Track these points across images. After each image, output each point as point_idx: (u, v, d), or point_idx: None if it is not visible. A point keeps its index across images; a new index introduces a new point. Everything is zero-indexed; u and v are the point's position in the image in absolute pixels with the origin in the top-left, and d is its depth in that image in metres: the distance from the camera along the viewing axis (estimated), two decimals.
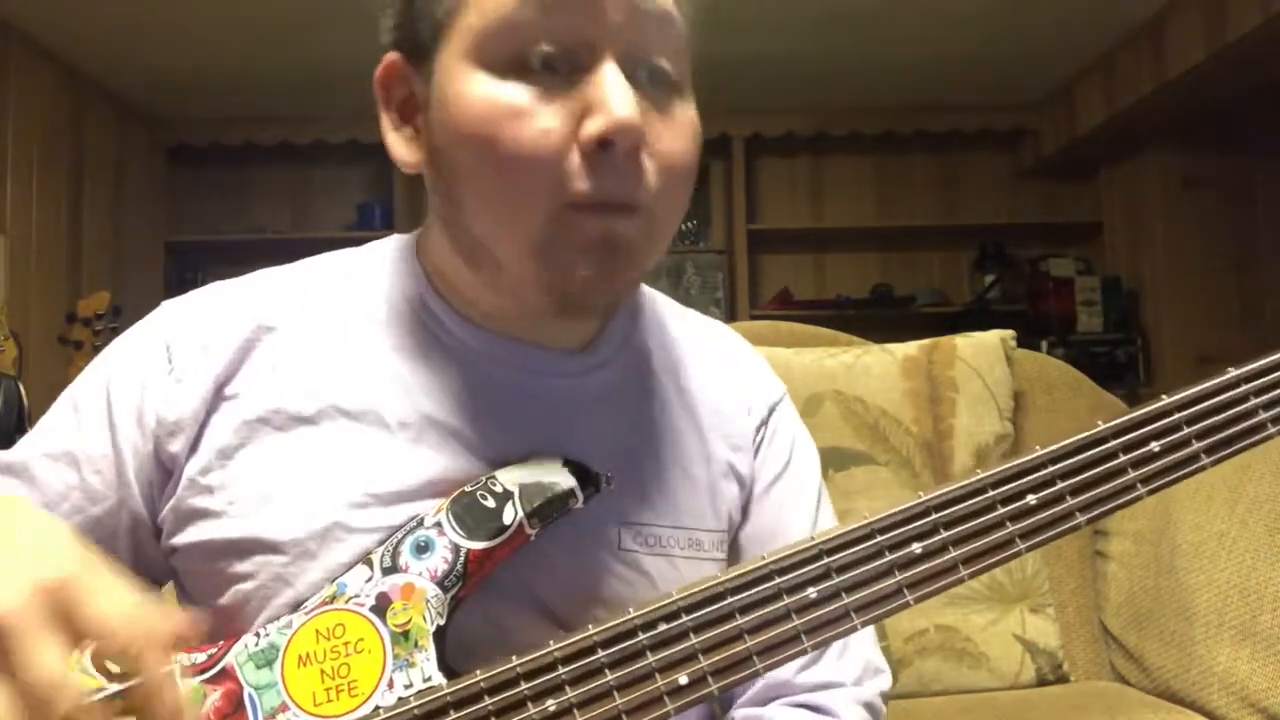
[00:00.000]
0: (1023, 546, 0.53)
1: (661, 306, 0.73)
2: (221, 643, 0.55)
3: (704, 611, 0.51)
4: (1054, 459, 0.54)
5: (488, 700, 0.50)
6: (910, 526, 0.53)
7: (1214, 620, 1.04)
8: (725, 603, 0.51)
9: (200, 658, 0.54)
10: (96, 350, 2.60)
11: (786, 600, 0.51)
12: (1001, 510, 0.53)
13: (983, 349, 1.29)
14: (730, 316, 3.93)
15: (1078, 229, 4.13)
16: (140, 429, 0.60)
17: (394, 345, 0.63)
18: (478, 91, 0.53)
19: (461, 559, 0.55)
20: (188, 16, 2.93)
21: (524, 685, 0.50)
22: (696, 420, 0.68)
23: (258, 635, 0.55)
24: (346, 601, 0.55)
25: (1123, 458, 0.54)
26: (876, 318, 3.95)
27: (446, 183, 0.57)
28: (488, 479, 0.58)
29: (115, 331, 2.58)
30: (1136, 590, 1.17)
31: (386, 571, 0.55)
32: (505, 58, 0.53)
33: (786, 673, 0.65)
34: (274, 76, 3.43)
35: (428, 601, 0.54)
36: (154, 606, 0.45)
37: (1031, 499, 0.53)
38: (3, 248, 2.86)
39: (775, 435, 0.71)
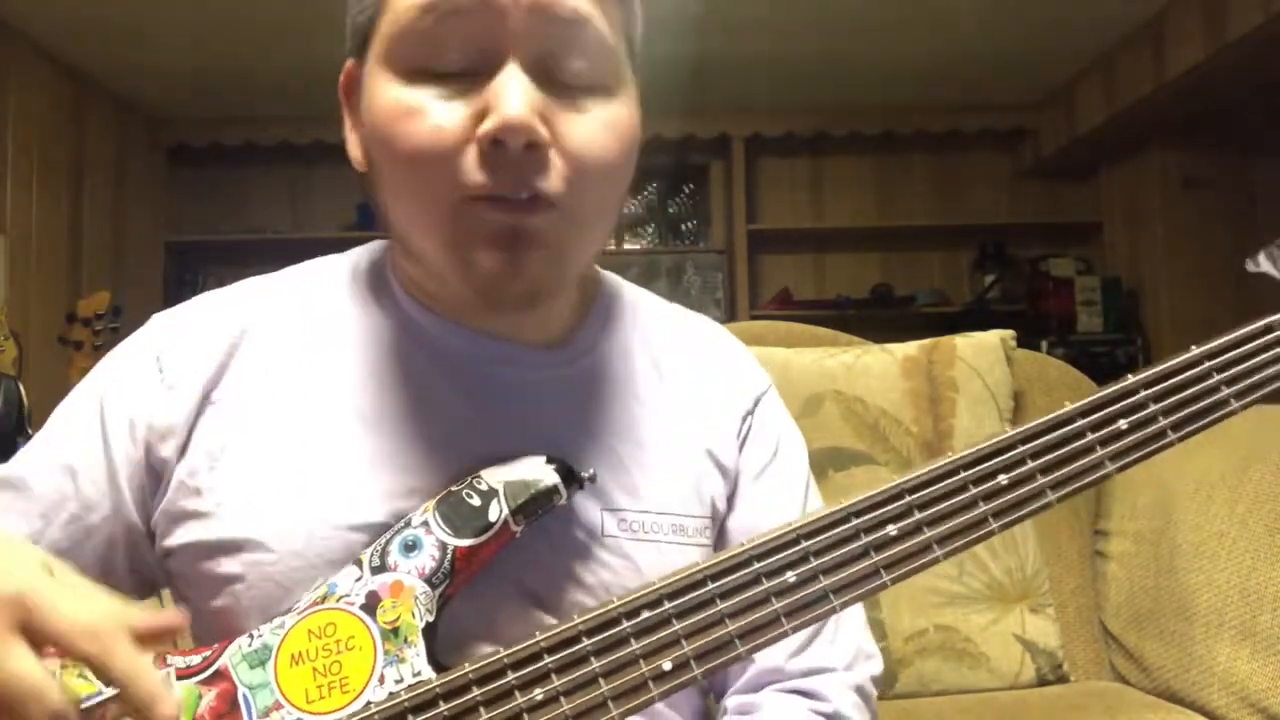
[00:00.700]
0: (995, 525, 0.54)
1: (644, 303, 0.74)
2: (216, 645, 0.56)
3: (686, 598, 0.53)
4: (1024, 439, 0.55)
5: (476, 691, 0.51)
6: (885, 509, 0.54)
7: (1214, 620, 1.03)
8: (706, 589, 0.53)
9: (195, 660, 0.55)
10: (96, 350, 2.60)
11: (766, 584, 0.53)
12: (974, 490, 0.54)
13: (983, 349, 1.29)
14: (730, 316, 3.93)
15: (1078, 229, 4.14)
16: (132, 437, 0.62)
17: (375, 344, 0.64)
18: (385, 94, 0.56)
19: (449, 557, 0.57)
20: (188, 16, 2.94)
21: (511, 675, 0.51)
22: (678, 410, 0.69)
23: (251, 636, 0.56)
24: (337, 601, 0.56)
25: (1090, 436, 0.55)
26: (876, 318, 3.95)
27: (376, 181, 0.59)
28: (473, 478, 0.59)
29: (115, 331, 2.59)
30: (1136, 590, 1.17)
31: (375, 570, 0.57)
32: (411, 64, 0.55)
33: (778, 659, 0.66)
34: (274, 76, 3.43)
35: (416, 598, 0.56)
36: (120, 612, 0.48)
37: (1003, 479, 0.54)
38: (3, 248, 2.86)
39: (761, 426, 0.72)
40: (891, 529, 0.54)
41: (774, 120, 3.98)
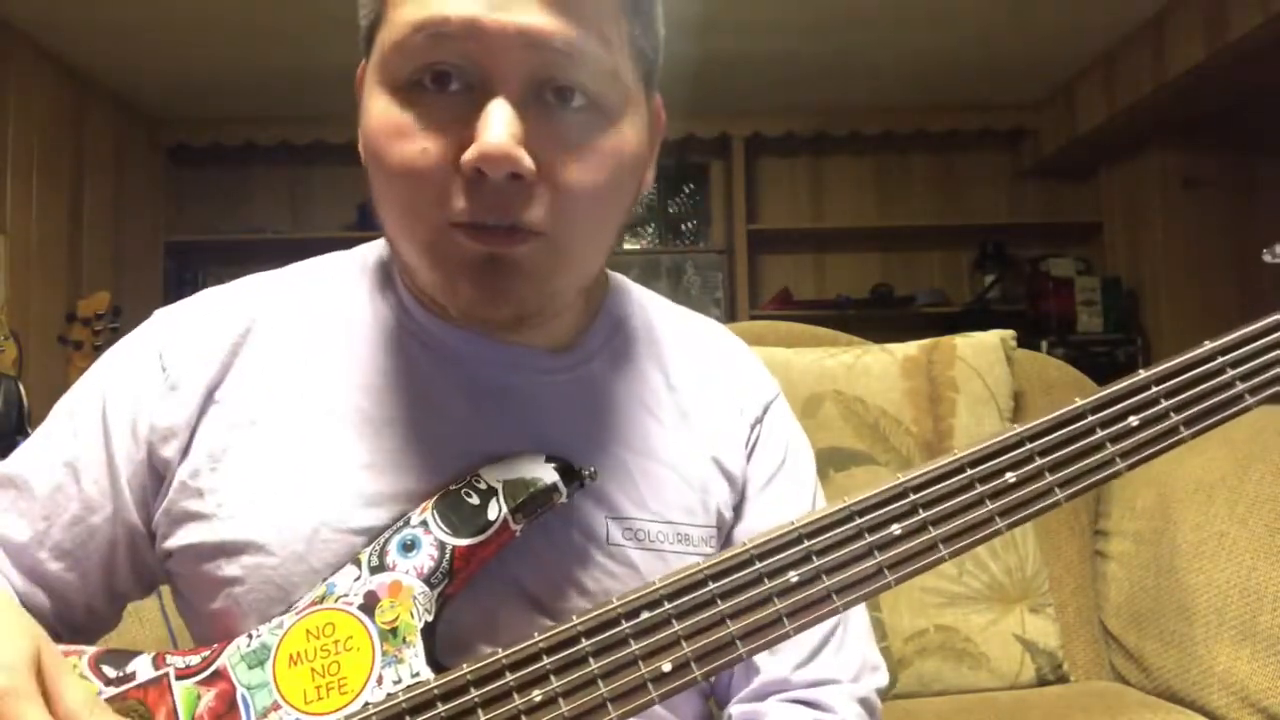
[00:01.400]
0: (1002, 525, 0.53)
1: (653, 306, 0.73)
2: (215, 645, 0.56)
3: (686, 598, 0.52)
4: (1032, 436, 0.54)
5: (474, 692, 0.51)
6: (889, 508, 0.53)
7: (1214, 620, 1.03)
8: (706, 589, 0.52)
9: (194, 660, 0.55)
10: (96, 350, 2.60)
11: (768, 584, 0.52)
12: (980, 489, 0.53)
13: (983, 349, 1.29)
14: (730, 316, 3.93)
15: (1078, 229, 4.13)
16: (134, 438, 0.61)
17: (379, 345, 0.64)
18: (376, 108, 0.56)
19: (447, 556, 0.56)
20: (188, 16, 2.93)
21: (510, 676, 0.51)
22: (686, 417, 0.68)
23: (250, 636, 0.56)
24: (336, 601, 0.56)
25: (1101, 433, 0.54)
26: (876, 318, 3.95)
27: (373, 189, 0.59)
28: (472, 476, 0.59)
29: (115, 331, 2.59)
30: (1136, 590, 1.17)
31: (374, 570, 0.56)
32: (399, 78, 0.54)
33: (783, 670, 0.66)
34: (274, 76, 3.43)
35: (415, 598, 0.55)
36: (94, 711, 0.49)
37: (1010, 477, 0.53)
38: (3, 248, 2.86)
39: (769, 434, 0.72)
40: (895, 528, 0.53)
41: (774, 120, 3.98)
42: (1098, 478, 0.54)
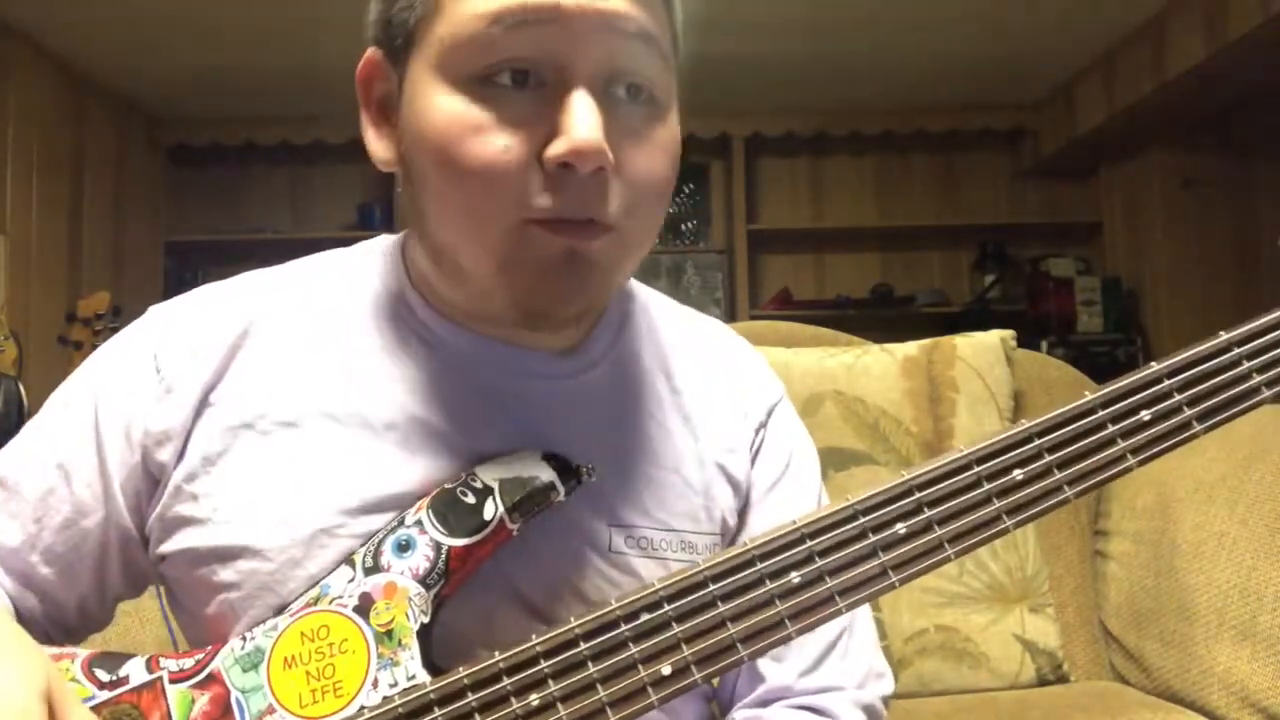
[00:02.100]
0: (1010, 523, 0.51)
1: (656, 307, 0.72)
2: (209, 648, 0.55)
3: (686, 600, 0.51)
4: (1040, 432, 0.53)
5: (471, 696, 0.50)
6: (894, 507, 0.52)
7: (1214, 620, 1.03)
8: (707, 590, 0.51)
9: (188, 663, 0.54)
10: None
11: (769, 586, 0.51)
12: (987, 487, 0.52)
13: (983, 349, 1.29)
14: (730, 316, 3.92)
15: (1078, 229, 4.13)
16: (128, 442, 0.60)
17: (379, 346, 0.62)
18: (442, 105, 0.53)
19: (443, 556, 0.55)
20: (188, 16, 2.93)
21: (507, 680, 0.50)
22: (690, 422, 0.67)
23: (244, 639, 0.55)
24: (330, 603, 0.55)
25: (1111, 428, 0.53)
26: (876, 318, 3.95)
27: (415, 188, 0.57)
28: (467, 475, 0.58)
29: (115, 331, 2.58)
30: (1136, 590, 1.17)
31: (369, 571, 0.55)
32: (471, 73, 0.53)
33: (788, 677, 0.65)
34: (274, 76, 3.43)
35: (410, 600, 0.54)
36: None
37: (1018, 474, 0.52)
38: (3, 248, 2.86)
39: (774, 438, 0.71)
40: (900, 527, 0.51)
41: (774, 120, 3.98)
42: (1108, 474, 0.52)
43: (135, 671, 0.54)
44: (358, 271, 0.66)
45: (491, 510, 0.56)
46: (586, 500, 0.61)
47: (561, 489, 0.58)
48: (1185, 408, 0.53)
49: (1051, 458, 0.52)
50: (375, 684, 0.53)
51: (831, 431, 1.23)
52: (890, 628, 1.16)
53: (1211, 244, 3.64)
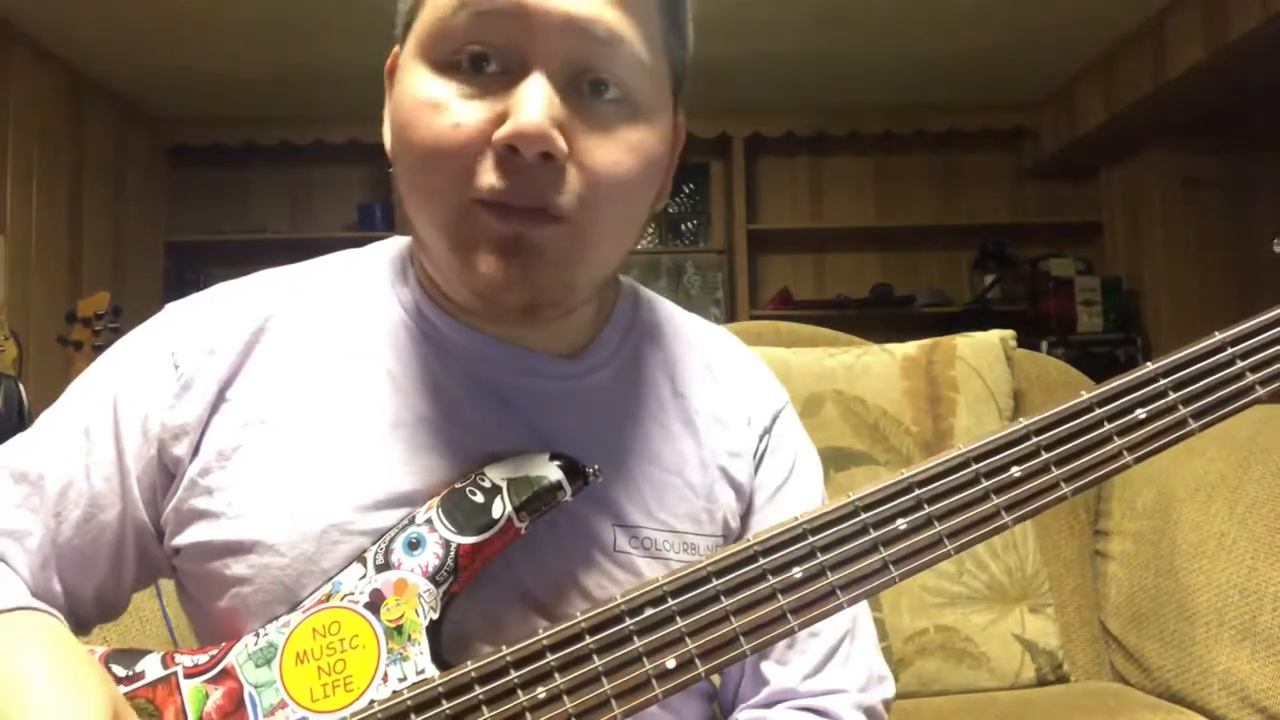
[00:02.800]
0: (1008, 519, 0.52)
1: (665, 314, 0.73)
2: (222, 643, 0.56)
3: (689, 595, 0.52)
4: (1037, 430, 0.54)
5: (478, 690, 0.51)
6: (894, 503, 0.53)
7: (1214, 620, 1.04)
8: (710, 585, 0.52)
9: (202, 659, 0.55)
10: (96, 350, 2.59)
11: (771, 581, 0.52)
12: (986, 484, 0.53)
13: (983, 349, 1.29)
14: (730, 316, 3.93)
15: (1078, 229, 4.14)
16: (145, 436, 0.61)
17: (389, 346, 0.63)
18: (411, 83, 0.55)
19: (452, 554, 0.56)
20: (188, 16, 2.93)
21: (514, 673, 0.51)
22: (693, 426, 0.68)
23: (256, 635, 0.56)
24: (342, 599, 0.56)
25: (1108, 426, 0.54)
26: (876, 318, 3.95)
27: (397, 172, 0.59)
28: (476, 475, 0.59)
29: (115, 331, 2.58)
30: (1136, 590, 1.17)
31: (380, 569, 0.56)
32: (439, 57, 0.54)
33: (792, 680, 0.66)
34: (274, 76, 3.43)
35: (420, 596, 0.55)
36: None
37: (1016, 471, 0.53)
38: (3, 248, 2.86)
39: (779, 444, 0.71)
40: (900, 523, 0.52)
41: (774, 120, 3.98)
42: (1104, 471, 0.53)
43: (151, 667, 0.55)
44: (370, 272, 0.67)
45: (500, 509, 0.57)
46: (591, 501, 0.62)
47: (568, 488, 0.59)
48: (1180, 406, 0.54)
49: (1049, 455, 0.53)
50: (385, 678, 0.54)
51: (831, 431, 1.23)
52: (890, 628, 1.16)
53: (1211, 244, 3.64)
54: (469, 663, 0.52)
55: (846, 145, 4.14)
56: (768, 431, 0.71)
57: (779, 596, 0.51)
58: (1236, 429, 1.11)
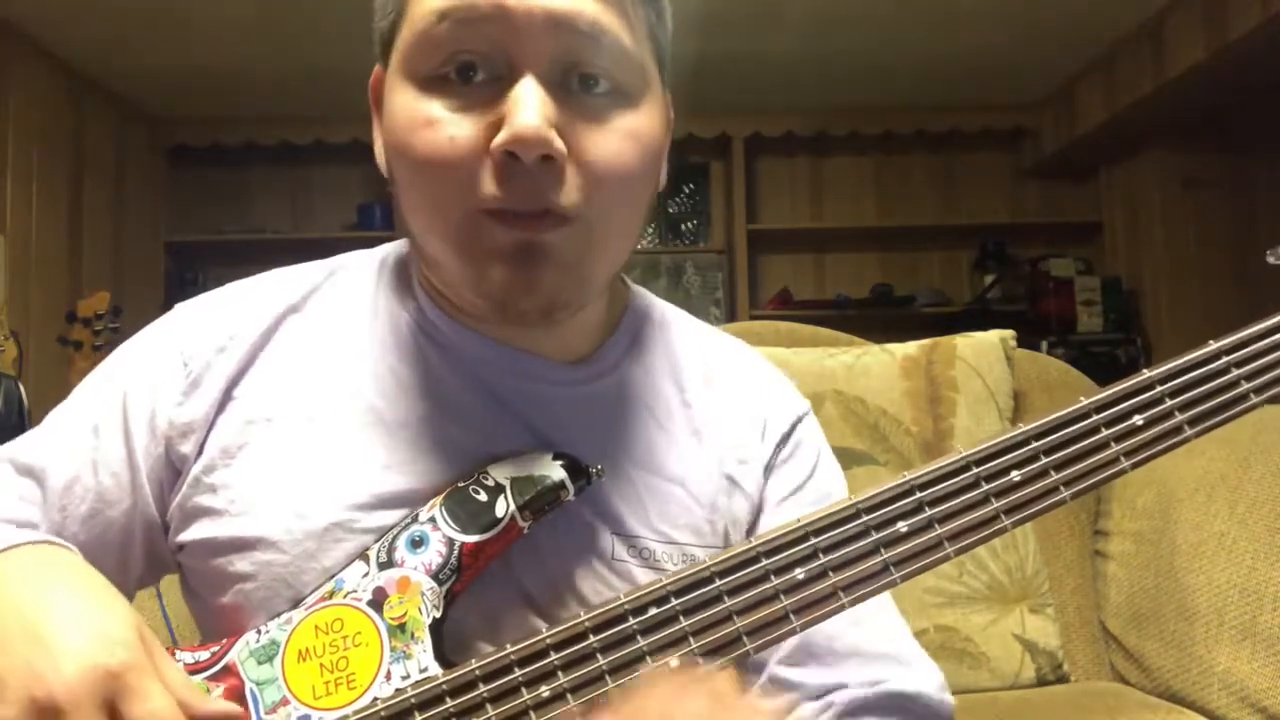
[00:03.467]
0: (1008, 523, 0.53)
1: (673, 322, 0.73)
2: (224, 640, 0.56)
3: (693, 595, 0.52)
4: (1037, 435, 0.55)
5: (483, 688, 0.51)
6: (895, 506, 0.54)
7: (1214, 620, 1.04)
8: (713, 585, 0.52)
9: (203, 655, 0.55)
10: (96, 350, 2.59)
11: (774, 581, 0.52)
12: (986, 487, 0.54)
13: (983, 349, 1.29)
14: (730, 316, 3.93)
15: (1078, 229, 4.14)
16: (153, 433, 0.61)
17: (395, 347, 0.64)
18: (401, 102, 0.55)
19: (455, 552, 0.56)
20: (188, 16, 2.94)
21: (518, 672, 0.51)
22: (699, 436, 0.68)
23: (259, 632, 0.56)
24: (344, 596, 0.56)
25: (1106, 432, 0.55)
26: (876, 318, 3.95)
27: (394, 187, 0.59)
28: (480, 473, 0.59)
29: (115, 331, 2.58)
30: (1136, 590, 1.17)
31: (383, 566, 0.57)
32: (426, 71, 0.54)
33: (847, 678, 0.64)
34: (274, 76, 3.43)
35: (423, 594, 0.56)
36: (199, 701, 0.50)
37: (1015, 475, 0.54)
38: (3, 248, 2.86)
39: (798, 450, 0.71)
40: (901, 526, 0.53)
41: (774, 120, 3.98)
42: (1102, 476, 0.54)
43: None
44: (377, 273, 0.68)
45: (503, 508, 0.57)
46: (592, 507, 0.62)
47: (571, 488, 0.59)
48: (1177, 412, 0.55)
49: (1048, 459, 0.54)
50: (388, 676, 0.54)
51: (831, 431, 1.22)
52: None
53: (1211, 244, 3.64)
54: (473, 660, 0.52)
55: (846, 145, 4.14)
56: (786, 439, 0.71)
57: (782, 597, 0.52)
58: (1237, 429, 1.11)
